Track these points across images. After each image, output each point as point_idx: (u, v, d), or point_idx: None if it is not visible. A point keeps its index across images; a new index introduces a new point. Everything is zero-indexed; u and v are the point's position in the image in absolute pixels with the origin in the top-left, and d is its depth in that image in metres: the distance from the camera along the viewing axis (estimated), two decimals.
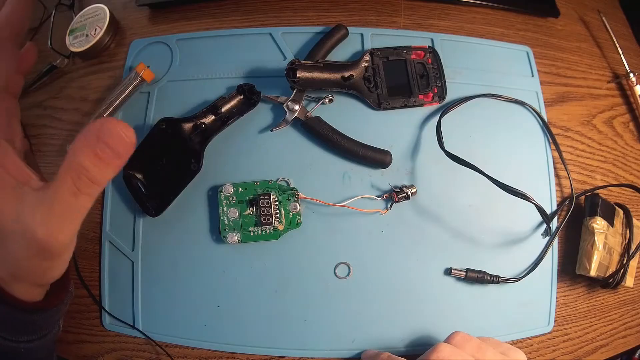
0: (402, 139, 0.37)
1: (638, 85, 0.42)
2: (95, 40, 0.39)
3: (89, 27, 0.39)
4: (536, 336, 0.36)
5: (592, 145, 0.41)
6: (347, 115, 0.37)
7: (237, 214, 0.34)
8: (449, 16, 0.42)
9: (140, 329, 0.35)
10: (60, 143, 0.39)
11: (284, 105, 0.36)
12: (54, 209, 0.22)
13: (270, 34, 0.39)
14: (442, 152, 0.35)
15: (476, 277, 0.35)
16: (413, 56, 0.38)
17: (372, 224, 0.36)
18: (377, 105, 0.37)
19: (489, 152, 0.38)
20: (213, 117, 0.35)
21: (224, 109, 0.36)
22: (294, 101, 0.36)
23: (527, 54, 0.41)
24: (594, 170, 0.40)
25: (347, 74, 0.36)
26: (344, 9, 0.41)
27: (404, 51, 0.38)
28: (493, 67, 0.40)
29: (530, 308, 0.36)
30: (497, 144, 0.38)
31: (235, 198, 0.35)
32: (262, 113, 0.37)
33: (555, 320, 0.36)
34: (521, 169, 0.38)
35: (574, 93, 0.42)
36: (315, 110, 0.37)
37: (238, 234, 0.34)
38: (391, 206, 0.36)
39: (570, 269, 0.37)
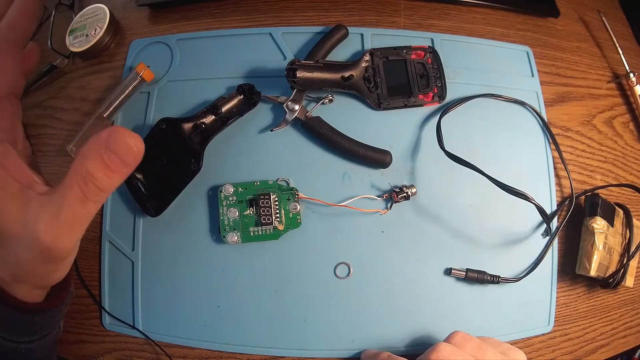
0: (402, 139, 0.37)
1: (638, 85, 0.42)
2: (95, 40, 0.39)
3: (89, 27, 0.39)
4: (536, 336, 0.36)
5: (592, 145, 0.41)
6: (347, 115, 0.37)
7: (237, 214, 0.34)
8: (449, 16, 0.42)
9: (140, 329, 0.35)
10: (60, 143, 0.39)
11: (284, 105, 0.36)
12: (60, 215, 0.22)
13: (270, 34, 0.39)
14: (442, 152, 0.35)
15: (476, 277, 0.35)
16: (413, 56, 0.38)
17: (372, 224, 0.36)
18: (377, 105, 0.37)
19: (489, 152, 0.38)
20: (213, 117, 0.35)
21: (224, 109, 0.36)
22: (294, 101, 0.36)
23: (527, 54, 0.41)
24: (594, 170, 0.40)
25: (347, 74, 0.36)
26: (344, 9, 0.41)
27: (404, 51, 0.38)
28: (493, 67, 0.40)
29: (530, 308, 0.36)
30: (497, 144, 0.38)
31: (235, 198, 0.35)
32: (262, 113, 0.37)
33: (555, 320, 0.36)
34: (521, 169, 0.38)
35: (574, 93, 0.42)
36: (315, 110, 0.37)
37: (238, 234, 0.34)
38: (391, 206, 0.36)
39: (570, 269, 0.37)
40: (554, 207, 0.38)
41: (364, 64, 0.37)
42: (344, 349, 0.34)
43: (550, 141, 0.39)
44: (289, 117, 0.36)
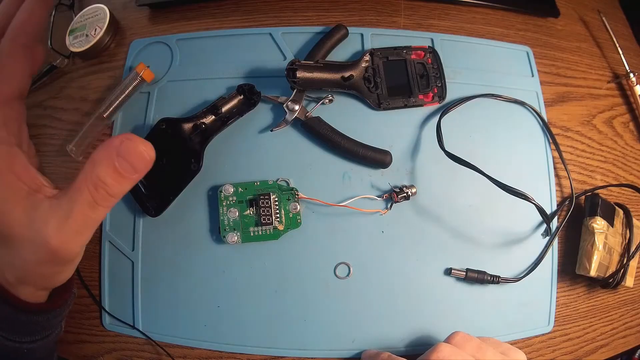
0: (402, 139, 0.37)
1: (638, 85, 0.42)
2: (95, 40, 0.39)
3: (89, 27, 0.39)
4: (536, 336, 0.36)
5: (592, 145, 0.41)
6: (347, 115, 0.37)
7: (237, 214, 0.34)
8: (449, 16, 0.42)
9: (140, 329, 0.35)
10: (60, 143, 0.39)
11: (284, 105, 0.36)
12: (70, 219, 0.22)
13: (270, 34, 0.39)
14: (442, 152, 0.35)
15: (476, 277, 0.35)
16: (413, 56, 0.38)
17: (372, 224, 0.36)
18: (377, 105, 0.37)
19: (489, 152, 0.38)
20: (213, 117, 0.35)
21: (224, 109, 0.36)
22: (294, 101, 0.36)
23: (527, 54, 0.41)
24: (594, 170, 0.40)
25: (347, 74, 0.36)
26: (344, 9, 0.41)
27: (404, 51, 0.38)
28: (493, 67, 0.40)
29: (530, 308, 0.36)
30: (497, 144, 0.38)
31: (235, 198, 0.35)
32: (262, 113, 0.37)
33: (555, 320, 0.36)
34: (521, 169, 0.38)
35: (574, 93, 0.42)
36: (315, 110, 0.37)
37: (238, 234, 0.34)
38: (391, 206, 0.36)
39: (570, 269, 0.37)
40: (554, 207, 0.38)
41: (364, 64, 0.37)
42: (344, 349, 0.34)
43: (550, 141, 0.39)
44: (289, 117, 0.36)
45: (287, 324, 0.34)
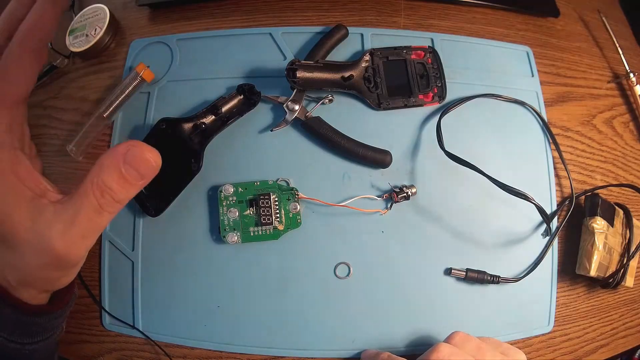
0: (402, 139, 0.37)
1: (638, 85, 0.42)
2: (95, 40, 0.39)
3: (89, 27, 0.39)
4: (536, 336, 0.36)
5: (592, 145, 0.41)
6: (347, 115, 0.37)
7: (237, 214, 0.34)
8: (449, 16, 0.42)
9: (140, 329, 0.35)
10: (60, 143, 0.39)
11: (284, 105, 0.36)
12: (75, 224, 0.22)
13: (270, 34, 0.39)
14: (442, 152, 0.35)
15: (476, 277, 0.35)
16: (413, 56, 0.38)
17: (372, 224, 0.36)
18: (377, 105, 0.37)
19: (489, 152, 0.38)
20: (213, 117, 0.35)
21: (224, 109, 0.36)
22: (294, 101, 0.36)
23: (527, 54, 0.41)
24: (594, 170, 0.40)
25: (347, 74, 0.36)
26: (344, 9, 0.41)
27: (404, 51, 0.38)
28: (493, 67, 0.40)
29: (530, 308, 0.36)
30: (497, 144, 0.38)
31: (235, 198, 0.35)
32: (262, 113, 0.37)
33: (555, 320, 0.36)
34: (521, 169, 0.38)
35: (574, 93, 0.42)
36: (315, 110, 0.37)
37: (238, 234, 0.34)
38: (391, 206, 0.36)
39: (570, 269, 0.37)
40: (554, 207, 0.38)
41: (364, 64, 0.37)
42: (343, 349, 0.34)
43: (550, 141, 0.39)
44: (289, 117, 0.36)
45: (287, 323, 0.34)
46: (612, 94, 0.43)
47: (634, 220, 0.38)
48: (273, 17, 0.40)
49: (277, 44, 0.39)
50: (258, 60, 0.38)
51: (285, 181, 0.36)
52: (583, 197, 0.38)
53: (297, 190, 0.35)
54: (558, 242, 0.37)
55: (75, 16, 0.40)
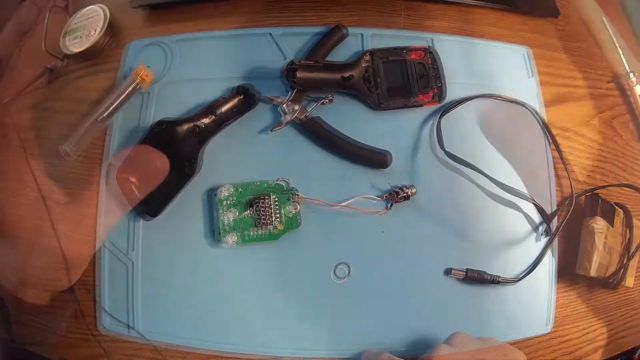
0: (402, 139, 0.37)
1: (638, 85, 0.42)
2: (92, 42, 0.39)
3: (86, 29, 0.39)
4: (536, 336, 0.36)
5: (592, 145, 0.41)
6: (346, 116, 0.37)
7: (236, 214, 0.34)
8: (448, 16, 0.42)
9: (139, 330, 0.34)
10: (57, 144, 0.38)
11: (284, 105, 0.36)
12: (82, 226, 0.22)
13: (270, 34, 0.39)
14: (442, 152, 0.35)
15: (476, 277, 0.35)
16: (413, 56, 0.38)
17: (371, 224, 0.36)
18: (377, 105, 0.37)
19: (489, 152, 0.38)
20: (212, 118, 0.35)
21: (222, 110, 0.35)
22: (294, 101, 0.36)
23: (527, 54, 0.41)
24: (594, 170, 0.40)
25: (347, 74, 0.36)
26: (343, 9, 0.41)
27: (404, 51, 0.38)
28: (493, 68, 0.40)
29: (530, 308, 0.36)
30: (497, 144, 0.38)
31: (234, 199, 0.35)
32: (261, 113, 0.37)
33: (554, 321, 0.36)
34: (521, 169, 0.38)
35: (573, 93, 0.42)
36: (315, 111, 0.37)
37: (237, 234, 0.34)
38: (391, 206, 0.36)
39: (570, 269, 0.37)
40: (554, 207, 0.38)
41: (363, 64, 0.37)
42: (344, 349, 0.34)
43: (550, 141, 0.39)
44: (289, 117, 0.36)
45: (287, 324, 0.34)
46: (612, 94, 0.43)
47: (634, 220, 0.38)
48: (273, 17, 0.40)
49: (277, 44, 0.39)
50: (257, 61, 0.38)
51: (285, 181, 0.36)
52: (583, 197, 0.38)
53: (296, 191, 0.35)
54: (558, 242, 0.37)
55: (70, 18, 0.40)
